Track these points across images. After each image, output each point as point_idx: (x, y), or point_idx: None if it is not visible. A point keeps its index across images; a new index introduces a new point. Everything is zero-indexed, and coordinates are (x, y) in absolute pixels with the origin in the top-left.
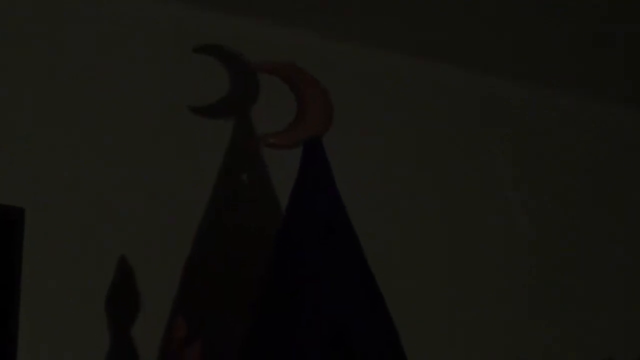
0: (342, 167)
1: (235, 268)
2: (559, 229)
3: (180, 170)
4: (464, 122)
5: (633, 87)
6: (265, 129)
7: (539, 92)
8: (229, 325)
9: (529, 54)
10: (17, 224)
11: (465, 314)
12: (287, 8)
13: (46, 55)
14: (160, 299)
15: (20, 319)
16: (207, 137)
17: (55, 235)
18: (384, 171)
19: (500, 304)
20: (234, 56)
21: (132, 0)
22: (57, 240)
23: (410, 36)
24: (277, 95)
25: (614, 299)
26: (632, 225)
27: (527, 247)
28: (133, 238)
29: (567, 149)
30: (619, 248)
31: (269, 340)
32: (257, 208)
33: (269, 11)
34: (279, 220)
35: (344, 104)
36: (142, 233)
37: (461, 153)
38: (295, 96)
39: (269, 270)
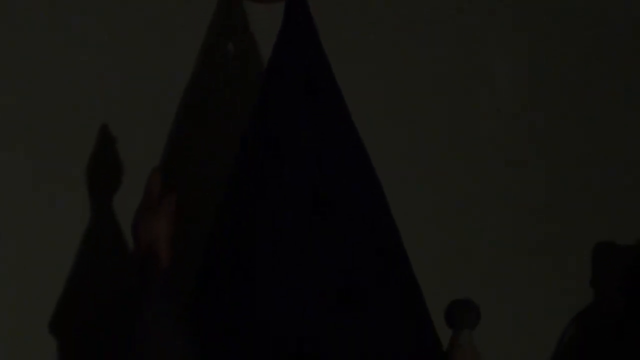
0: (328, 25)
1: (217, 130)
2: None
3: (165, 38)
4: None
5: None
6: None
7: None
8: (207, 184)
9: None
10: None
11: (453, 193)
12: None
13: None
14: (142, 170)
15: None
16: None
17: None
18: (372, 30)
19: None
20: None
21: None
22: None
23: None
24: None
25: (613, 180)
26: (631, 106)
27: (519, 128)
28: (116, 108)
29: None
30: (620, 131)
31: (245, 201)
32: (244, 75)
33: None
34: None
35: None
36: (125, 102)
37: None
38: None
39: (248, 128)
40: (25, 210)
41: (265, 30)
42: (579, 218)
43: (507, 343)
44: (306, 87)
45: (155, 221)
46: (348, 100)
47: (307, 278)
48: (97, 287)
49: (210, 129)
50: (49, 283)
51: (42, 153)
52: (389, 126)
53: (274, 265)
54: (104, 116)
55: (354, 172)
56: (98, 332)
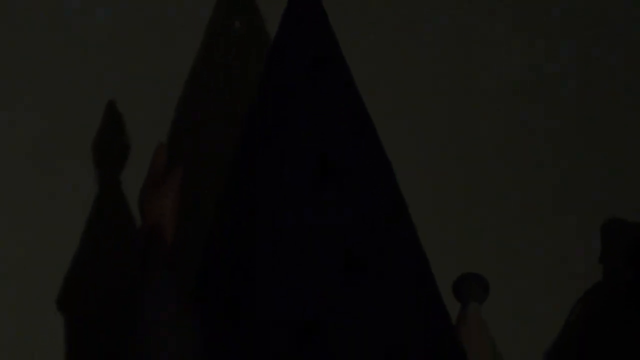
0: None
1: (224, 107)
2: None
3: (171, 14)
4: None
5: None
6: None
7: None
8: (213, 158)
9: None
10: None
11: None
12: None
13: None
14: (149, 145)
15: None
16: None
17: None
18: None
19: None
20: None
21: None
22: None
23: None
24: None
25: (621, 158)
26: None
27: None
28: (122, 82)
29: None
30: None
31: (250, 170)
32: (250, 49)
33: None
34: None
35: None
36: (132, 77)
37: None
38: None
39: (254, 101)
40: (30, 188)
41: (272, 9)
42: (587, 194)
43: (515, 319)
44: (313, 62)
45: (161, 196)
46: None
47: (313, 248)
48: (104, 263)
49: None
50: (55, 261)
51: (47, 129)
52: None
53: (279, 234)
54: (112, 91)
55: (361, 145)
56: (105, 306)
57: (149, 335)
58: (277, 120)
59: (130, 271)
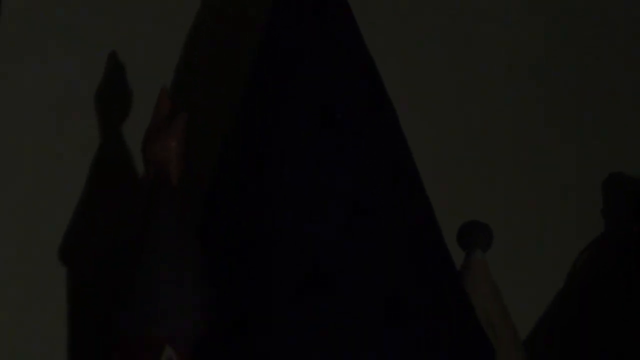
0: None
1: (227, 60)
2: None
3: None
4: None
5: None
6: None
7: None
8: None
9: None
10: None
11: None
12: None
13: None
14: (151, 96)
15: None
16: None
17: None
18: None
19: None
20: None
21: None
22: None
23: None
24: None
25: (623, 115)
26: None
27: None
28: (123, 34)
29: None
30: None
31: (254, 119)
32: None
33: None
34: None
35: None
36: (132, 29)
37: None
38: None
39: (256, 51)
40: (32, 138)
41: None
42: (589, 149)
43: (519, 270)
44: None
45: (165, 141)
46: None
47: (318, 194)
48: (106, 213)
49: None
50: (57, 209)
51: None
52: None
53: (283, 183)
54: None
55: (366, 95)
56: (108, 253)
57: (154, 277)
58: (280, 68)
59: (134, 222)
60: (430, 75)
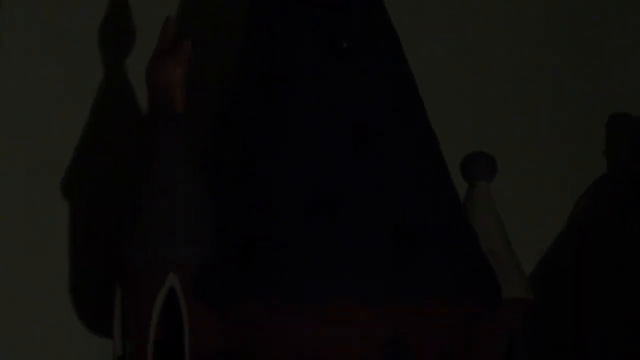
0: None
1: None
2: None
3: None
4: None
5: None
6: None
7: None
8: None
9: None
10: None
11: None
12: None
13: None
14: (155, 28)
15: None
16: None
17: None
18: None
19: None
20: None
21: None
22: None
23: None
24: None
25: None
26: None
27: None
28: None
29: None
30: None
31: (261, 44)
32: None
33: None
34: None
35: None
36: None
37: None
38: None
39: None
40: (33, 75)
41: None
42: (592, 89)
43: (522, 200)
44: None
45: (169, 66)
46: None
47: (322, 119)
48: (109, 144)
49: None
50: (59, 140)
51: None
52: None
53: (289, 108)
54: None
55: (368, 19)
56: (109, 187)
57: (158, 205)
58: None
59: (136, 154)
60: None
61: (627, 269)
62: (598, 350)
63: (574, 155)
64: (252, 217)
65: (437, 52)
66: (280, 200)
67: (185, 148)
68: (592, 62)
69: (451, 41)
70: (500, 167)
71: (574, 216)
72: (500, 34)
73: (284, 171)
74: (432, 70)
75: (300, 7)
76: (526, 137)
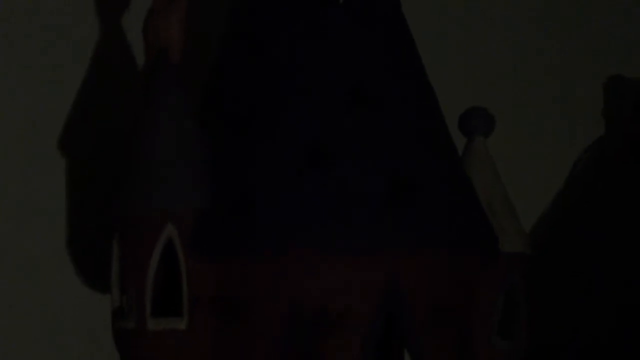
0: None
1: None
2: None
3: None
4: None
5: None
6: None
7: None
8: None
9: None
10: None
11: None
12: None
13: None
14: None
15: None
16: None
17: None
18: None
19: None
20: None
21: None
22: None
23: None
24: None
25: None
26: None
27: None
28: None
29: None
30: None
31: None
32: None
33: None
34: None
35: None
36: None
37: None
38: None
39: None
40: (32, 39)
41: None
42: (590, 53)
43: (520, 156)
44: None
45: (167, 21)
46: None
47: (320, 76)
48: (106, 104)
49: None
50: (57, 97)
51: None
52: None
53: (286, 61)
54: None
55: None
56: (107, 142)
57: (155, 156)
58: None
59: (134, 110)
60: None
61: (625, 228)
62: (598, 307)
63: (572, 114)
64: (248, 170)
65: (436, 5)
66: (277, 152)
67: (183, 100)
68: (592, 22)
69: None
70: (499, 126)
71: (572, 176)
72: None
73: (281, 123)
74: (431, 24)
75: None
76: (526, 98)
